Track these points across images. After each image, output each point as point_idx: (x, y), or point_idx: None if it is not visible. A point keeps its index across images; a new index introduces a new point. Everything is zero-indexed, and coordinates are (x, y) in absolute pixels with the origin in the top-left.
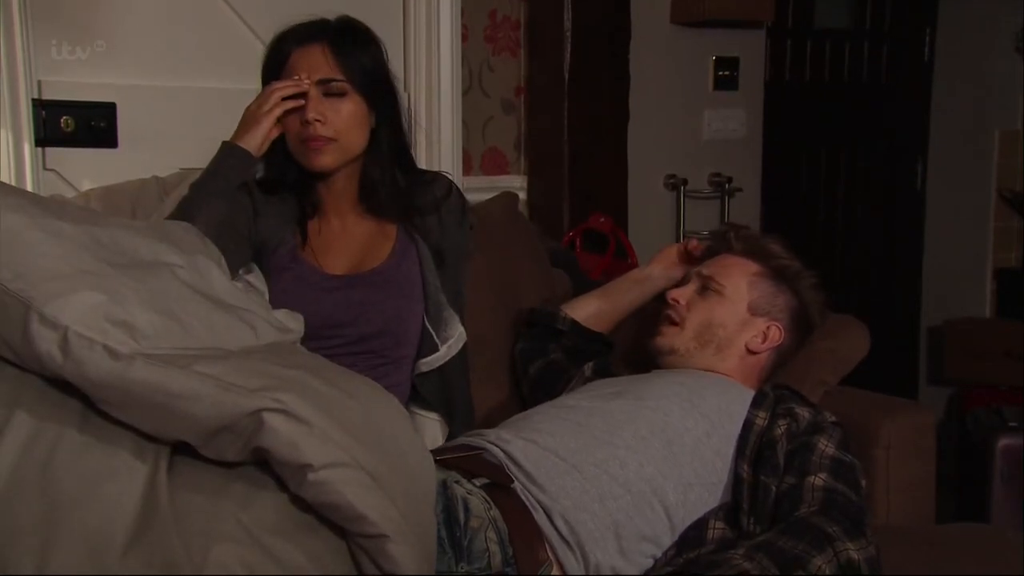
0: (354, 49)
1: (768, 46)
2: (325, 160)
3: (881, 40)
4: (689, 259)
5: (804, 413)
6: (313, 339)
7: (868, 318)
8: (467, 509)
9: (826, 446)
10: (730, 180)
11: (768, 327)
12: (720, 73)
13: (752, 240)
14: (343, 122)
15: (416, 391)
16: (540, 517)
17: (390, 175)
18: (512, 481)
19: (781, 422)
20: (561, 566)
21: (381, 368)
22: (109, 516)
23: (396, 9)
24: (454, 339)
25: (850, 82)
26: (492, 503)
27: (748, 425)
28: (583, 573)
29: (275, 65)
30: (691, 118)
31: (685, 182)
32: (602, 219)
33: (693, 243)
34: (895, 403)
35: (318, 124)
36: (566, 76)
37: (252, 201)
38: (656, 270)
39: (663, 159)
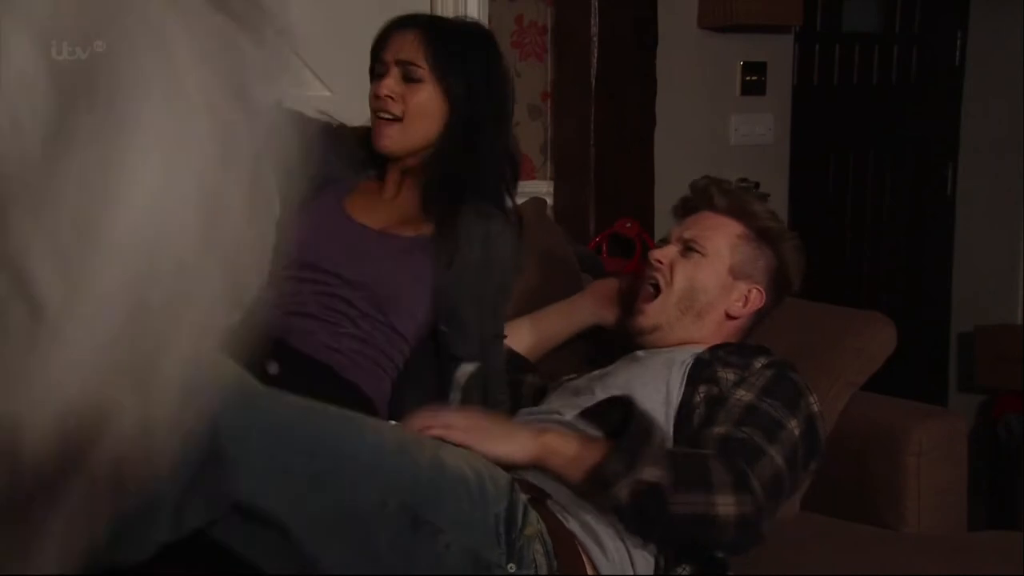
0: (447, 43)
1: (796, 50)
2: (387, 144)
3: (911, 43)
4: (620, 300)
5: (728, 375)
6: (303, 269)
7: (897, 324)
8: (526, 515)
9: (741, 396)
10: (757, 185)
11: (749, 290)
12: (748, 78)
13: (734, 197)
14: (412, 107)
15: None
16: (573, 525)
17: (452, 181)
18: (549, 496)
19: (701, 388)
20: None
21: (367, 322)
22: None
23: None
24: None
25: (879, 86)
26: (540, 518)
27: (682, 402)
28: (622, 573)
29: (376, 43)
30: (718, 123)
31: None
32: (628, 224)
33: (623, 286)
34: (926, 410)
35: (389, 100)
36: (593, 81)
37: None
38: (586, 304)
39: (690, 164)
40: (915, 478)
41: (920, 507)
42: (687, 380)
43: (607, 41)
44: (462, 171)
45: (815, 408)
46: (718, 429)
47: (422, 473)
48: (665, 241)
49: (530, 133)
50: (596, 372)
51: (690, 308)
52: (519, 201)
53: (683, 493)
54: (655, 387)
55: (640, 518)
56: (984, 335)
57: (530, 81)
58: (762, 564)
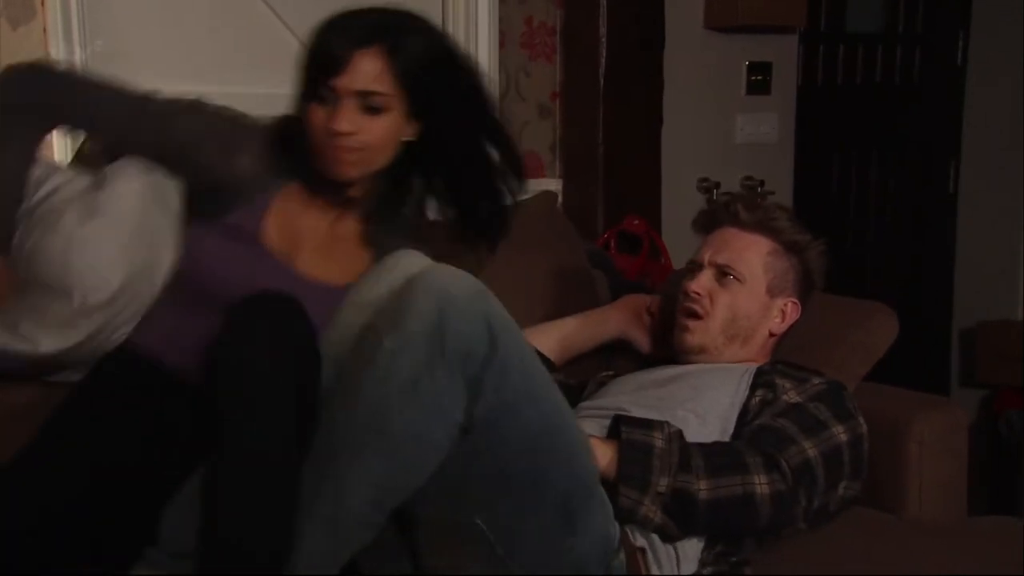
0: (412, 56)
1: (801, 50)
2: (349, 172)
3: (914, 43)
4: (650, 318)
5: (785, 383)
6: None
7: (900, 320)
8: (621, 538)
9: (790, 398)
10: (762, 183)
11: (785, 304)
12: (753, 77)
13: (760, 212)
14: (374, 138)
15: None
16: (640, 541)
17: (397, 209)
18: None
19: (759, 392)
20: None
21: None
22: None
23: (434, 16)
24: None
25: (882, 86)
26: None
27: (743, 407)
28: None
29: (332, 62)
30: (724, 122)
31: (718, 185)
32: (636, 221)
33: (656, 304)
34: (928, 400)
35: (350, 136)
36: (601, 81)
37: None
38: (616, 316)
39: (696, 162)
40: (916, 467)
41: (921, 497)
42: (750, 387)
43: (615, 42)
44: (433, 177)
45: (864, 430)
46: (757, 422)
47: (591, 477)
48: (695, 264)
49: (539, 132)
50: (656, 373)
51: (736, 335)
52: (525, 197)
53: (721, 478)
54: (724, 391)
55: (678, 521)
56: (985, 331)
57: (539, 81)
58: (768, 549)
